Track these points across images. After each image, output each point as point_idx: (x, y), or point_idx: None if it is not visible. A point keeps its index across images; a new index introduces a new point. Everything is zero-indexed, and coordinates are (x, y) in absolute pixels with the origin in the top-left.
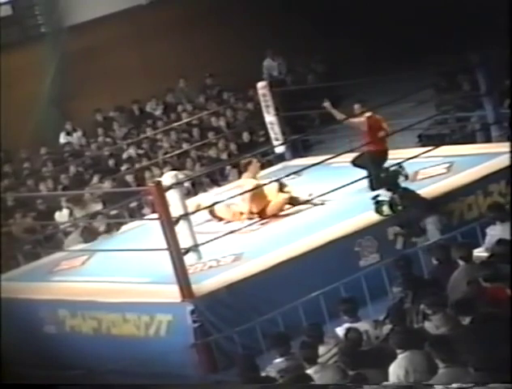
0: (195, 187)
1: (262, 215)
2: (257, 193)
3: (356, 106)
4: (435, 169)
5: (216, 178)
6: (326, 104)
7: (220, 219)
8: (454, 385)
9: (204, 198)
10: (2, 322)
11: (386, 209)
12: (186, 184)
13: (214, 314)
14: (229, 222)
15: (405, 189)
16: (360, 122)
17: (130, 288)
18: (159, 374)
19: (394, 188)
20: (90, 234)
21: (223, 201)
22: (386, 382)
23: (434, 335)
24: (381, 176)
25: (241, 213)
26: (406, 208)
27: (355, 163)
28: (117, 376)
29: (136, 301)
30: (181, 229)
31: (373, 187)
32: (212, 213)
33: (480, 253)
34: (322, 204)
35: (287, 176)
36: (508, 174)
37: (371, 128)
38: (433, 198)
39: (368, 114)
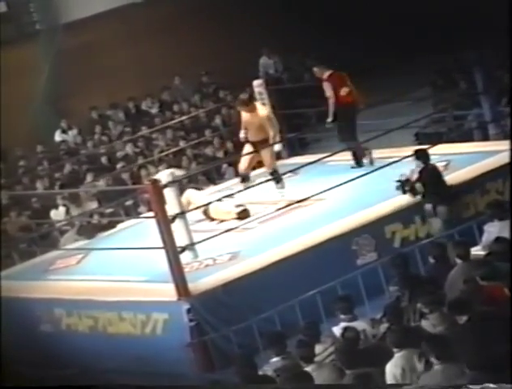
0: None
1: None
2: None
3: (315, 69)
4: None
5: (213, 176)
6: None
7: (213, 219)
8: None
9: (194, 194)
10: None
11: (418, 187)
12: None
13: (210, 312)
14: (223, 221)
15: (433, 167)
16: (327, 87)
17: (126, 287)
18: (155, 372)
19: (426, 160)
20: (88, 231)
21: (218, 200)
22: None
23: (429, 334)
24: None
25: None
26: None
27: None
28: (114, 375)
29: (132, 299)
30: (177, 228)
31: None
32: (206, 214)
33: (477, 251)
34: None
35: (283, 174)
36: (505, 172)
37: (333, 85)
38: (452, 189)
39: (328, 73)
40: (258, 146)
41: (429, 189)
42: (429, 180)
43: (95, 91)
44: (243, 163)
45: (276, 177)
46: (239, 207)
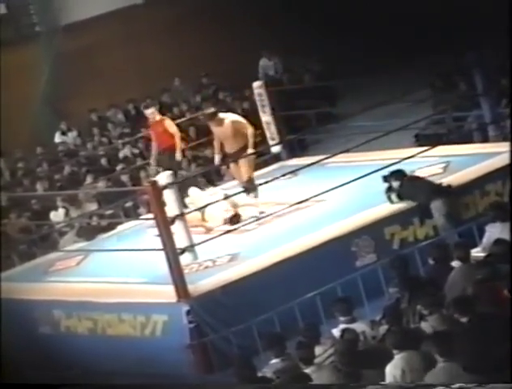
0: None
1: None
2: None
3: (149, 111)
4: (431, 169)
5: (212, 178)
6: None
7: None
8: (456, 385)
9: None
10: None
11: (394, 198)
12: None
13: (210, 314)
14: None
15: (411, 176)
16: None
17: (126, 289)
18: (154, 374)
19: (401, 175)
20: (88, 233)
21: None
22: (386, 383)
23: (434, 332)
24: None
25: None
26: (413, 194)
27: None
28: (113, 376)
29: (132, 301)
30: (176, 229)
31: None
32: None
33: (477, 253)
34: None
35: (283, 175)
36: (505, 174)
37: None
38: (438, 184)
39: (158, 117)
40: (236, 156)
41: (415, 192)
42: (408, 190)
43: (94, 92)
44: (237, 177)
45: (249, 189)
46: (230, 212)
